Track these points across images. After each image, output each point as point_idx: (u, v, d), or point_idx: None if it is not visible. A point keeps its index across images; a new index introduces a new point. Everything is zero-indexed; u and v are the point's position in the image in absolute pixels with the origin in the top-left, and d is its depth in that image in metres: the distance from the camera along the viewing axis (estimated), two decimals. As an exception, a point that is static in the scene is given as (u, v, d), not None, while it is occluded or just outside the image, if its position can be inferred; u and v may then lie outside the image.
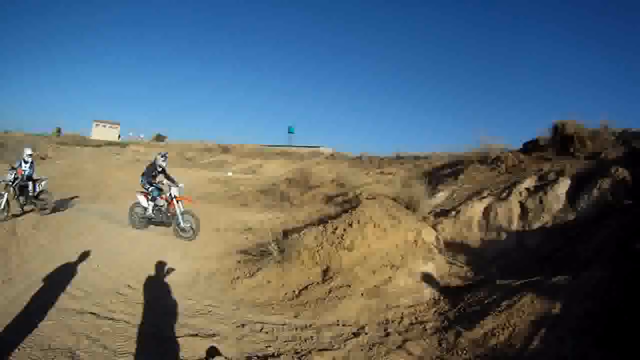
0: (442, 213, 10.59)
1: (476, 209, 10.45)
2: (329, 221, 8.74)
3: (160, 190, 11.77)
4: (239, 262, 8.57)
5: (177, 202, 11.28)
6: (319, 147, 38.09)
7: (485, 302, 6.73)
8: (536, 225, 9.78)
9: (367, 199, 9.64)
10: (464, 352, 5.62)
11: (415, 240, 8.67)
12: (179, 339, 5.53)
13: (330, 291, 7.30)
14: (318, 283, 7.61)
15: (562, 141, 13.36)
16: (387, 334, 6.15)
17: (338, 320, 6.53)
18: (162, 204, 11.66)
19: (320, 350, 5.65)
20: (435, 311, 6.95)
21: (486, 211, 10.33)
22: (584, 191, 9.80)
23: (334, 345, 5.78)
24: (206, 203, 17.21)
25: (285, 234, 8.90)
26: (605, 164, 10.68)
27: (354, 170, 14.19)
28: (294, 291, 7.46)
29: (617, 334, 4.92)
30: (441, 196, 11.82)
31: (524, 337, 5.54)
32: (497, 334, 5.74)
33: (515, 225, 9.89)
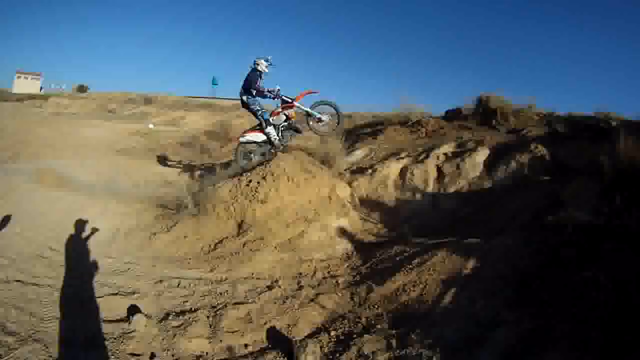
0: (359, 171, 10.74)
1: (393, 169, 10.67)
2: (243, 174, 8.59)
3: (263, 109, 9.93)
4: (157, 216, 8.23)
5: (294, 103, 9.82)
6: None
7: (397, 258, 6.89)
8: (452, 189, 10.16)
9: (282, 152, 9.49)
10: (376, 306, 5.75)
11: (329, 196, 8.76)
12: (100, 299, 5.35)
13: (244, 244, 7.26)
14: (233, 236, 7.53)
15: (485, 113, 13.81)
16: (300, 287, 6.22)
17: (252, 274, 6.55)
18: (283, 120, 10.00)
19: (235, 304, 5.66)
20: (348, 266, 7.08)
21: (403, 172, 10.58)
22: (502, 163, 10.19)
23: (248, 299, 5.79)
24: (126, 157, 16.42)
25: (203, 187, 8.84)
26: (526, 140, 11.17)
27: None
28: (209, 245, 7.36)
29: (527, 296, 5.18)
30: (359, 154, 12.03)
31: (435, 295, 5.74)
32: (408, 290, 5.92)
33: (431, 188, 10.21)
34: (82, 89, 68.43)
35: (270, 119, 9.93)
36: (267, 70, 10.03)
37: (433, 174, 10.50)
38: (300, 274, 6.72)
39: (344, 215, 8.62)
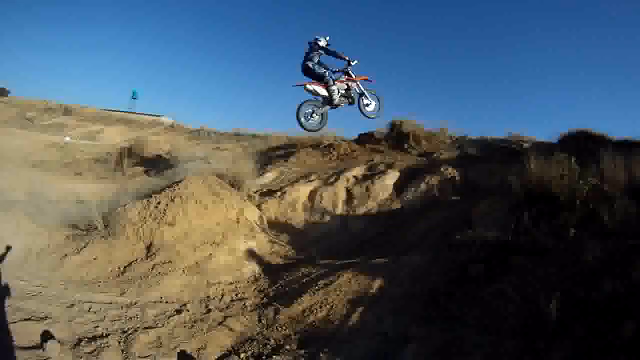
0: (269, 193, 10.85)
1: (303, 191, 10.90)
2: (153, 195, 8.52)
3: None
4: (69, 237, 8.10)
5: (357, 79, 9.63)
6: (160, 116, 36.82)
7: (304, 280, 7.13)
8: (362, 211, 10.51)
9: (192, 174, 9.40)
10: (284, 328, 5.90)
11: (237, 219, 8.83)
12: (13, 325, 5.14)
13: (153, 267, 7.21)
14: (142, 259, 7.44)
15: (397, 137, 14.60)
16: (209, 311, 6.26)
17: (162, 297, 6.49)
18: (344, 88, 9.63)
19: (145, 328, 5.62)
20: (255, 288, 7.21)
21: (312, 195, 10.82)
22: (412, 185, 10.75)
23: (158, 323, 5.75)
24: (41, 171, 15.42)
25: (113, 207, 8.79)
26: (437, 162, 11.95)
27: (190, 143, 14.15)
28: (119, 267, 7.23)
29: (436, 312, 5.50)
30: (270, 176, 12.15)
31: (342, 315, 5.97)
32: (315, 310, 6.13)
33: (341, 210, 10.55)
34: (2, 92, 64.53)
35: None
36: (323, 44, 9.67)
37: (342, 196, 10.84)
38: (209, 297, 6.75)
39: (252, 237, 8.69)
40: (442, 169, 11.13)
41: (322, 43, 9.55)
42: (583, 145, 11.78)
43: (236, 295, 6.99)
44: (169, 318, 5.96)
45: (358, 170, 11.76)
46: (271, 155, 14.64)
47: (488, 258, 6.60)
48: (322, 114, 9.60)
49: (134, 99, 49.85)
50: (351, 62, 9.46)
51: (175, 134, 16.81)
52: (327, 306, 6.24)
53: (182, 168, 10.04)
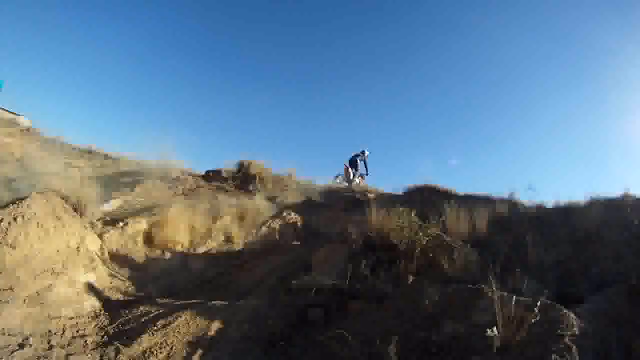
0: (112, 223, 10.50)
1: (144, 224, 10.79)
2: None
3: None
4: None
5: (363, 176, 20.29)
6: (18, 114, 32.91)
7: (143, 319, 7.12)
8: (202, 249, 10.83)
9: (37, 193, 8.54)
10: None
11: (78, 247, 8.42)
12: None
13: None
14: None
15: (244, 178, 15.24)
16: (51, 347, 6.03)
17: (4, 329, 6.00)
18: (356, 180, 19.79)
19: None
20: (96, 325, 7.03)
21: (154, 228, 10.74)
22: (254, 226, 11.55)
23: (2, 357, 5.41)
24: None
25: None
26: (280, 206, 12.55)
27: (43, 154, 13.14)
28: None
29: (275, 355, 5.97)
30: (114, 204, 11.79)
31: (182, 357, 6.12)
32: (156, 352, 6.18)
33: (181, 247, 10.70)
34: None
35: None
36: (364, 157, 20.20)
37: (185, 233, 10.95)
38: (50, 331, 6.44)
39: (92, 270, 8.39)
40: (284, 214, 11.69)
41: (367, 154, 20.16)
42: (427, 198, 13.02)
43: (77, 331, 6.74)
44: (12, 352, 5.65)
45: (202, 207, 11.98)
46: (119, 180, 14.14)
47: (327, 303, 7.23)
48: (340, 182, 19.42)
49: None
50: (367, 174, 20.17)
51: (29, 139, 15.37)
52: (167, 347, 6.31)
53: (28, 183, 9.31)
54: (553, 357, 3.99)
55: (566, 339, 4.21)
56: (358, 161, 19.93)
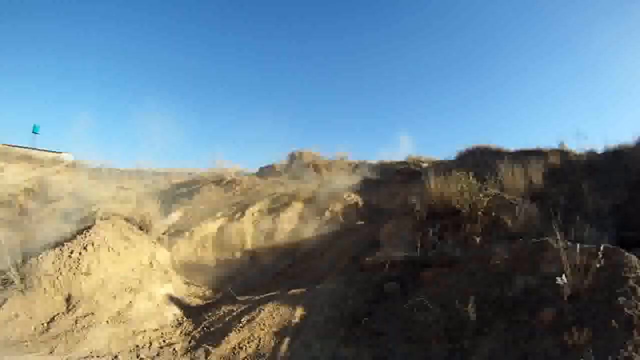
0: (177, 233, 10.68)
1: (210, 229, 10.86)
2: (65, 243, 7.96)
3: None
4: None
5: None
6: (60, 152, 34.62)
7: (227, 319, 7.16)
8: (270, 244, 10.67)
9: (101, 219, 8.94)
10: None
11: (150, 263, 8.64)
12: None
13: (77, 321, 6.78)
14: (64, 313, 6.96)
15: (297, 167, 15.09)
16: None
17: (91, 352, 6.15)
18: None
19: None
20: (181, 332, 7.11)
21: (220, 232, 10.83)
22: (317, 213, 11.22)
23: None
24: None
25: (26, 257, 8.19)
26: (338, 189, 12.36)
27: (93, 182, 13.47)
28: (42, 324, 6.72)
29: (360, 331, 5.82)
30: (175, 216, 11.94)
31: (270, 347, 6.07)
32: (245, 347, 6.16)
33: (249, 245, 10.63)
34: None
35: None
36: None
37: (250, 230, 10.94)
38: (137, 346, 6.56)
39: (168, 281, 8.56)
40: (344, 196, 11.47)
41: None
42: (480, 159, 12.62)
43: (164, 341, 6.83)
44: (104, 373, 5.60)
45: (262, 204, 11.95)
46: (175, 193, 14.39)
47: (401, 275, 7.08)
48: None
49: (35, 133, 47.15)
50: None
51: (76, 172, 15.83)
52: (255, 341, 6.28)
53: (89, 211, 9.54)
54: (619, 299, 3.82)
55: (630, 281, 4.03)
56: None
